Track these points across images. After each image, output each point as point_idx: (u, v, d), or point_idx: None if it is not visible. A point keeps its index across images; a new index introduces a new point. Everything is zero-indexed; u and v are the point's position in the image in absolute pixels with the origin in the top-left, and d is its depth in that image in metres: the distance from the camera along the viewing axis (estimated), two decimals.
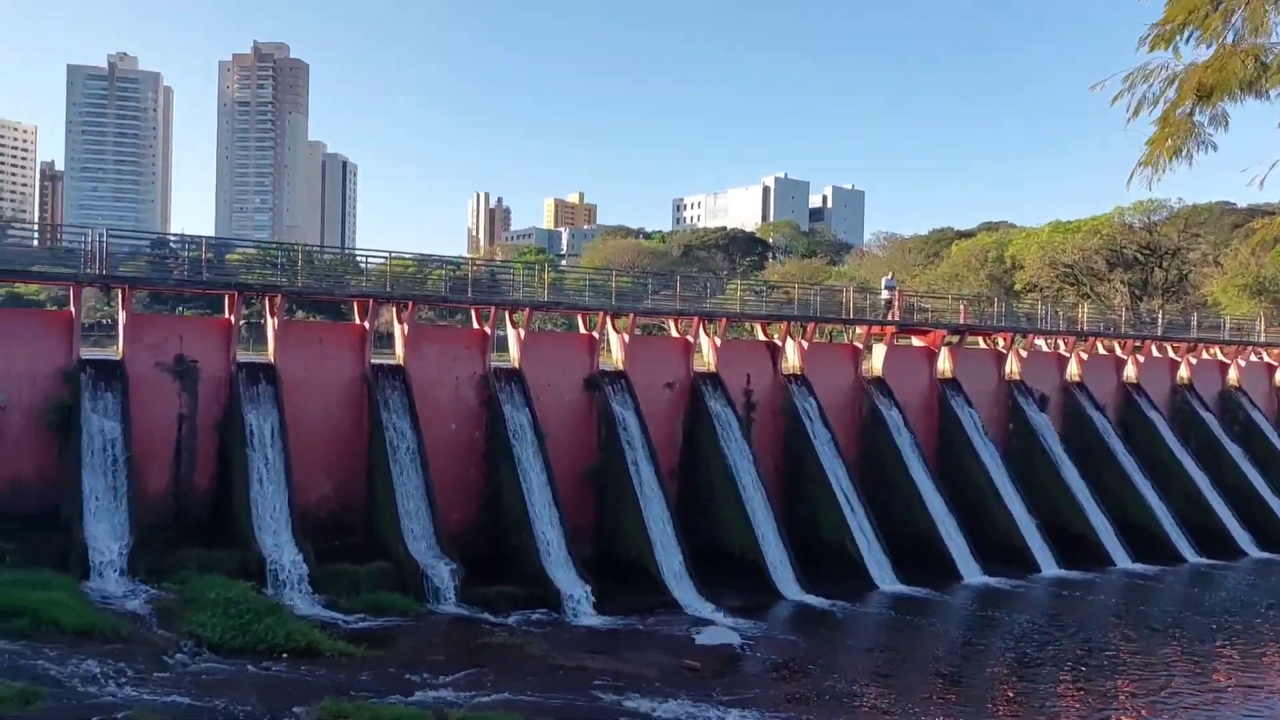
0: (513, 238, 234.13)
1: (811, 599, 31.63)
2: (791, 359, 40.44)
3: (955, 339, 43.86)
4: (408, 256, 39.71)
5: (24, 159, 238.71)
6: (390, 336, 34.96)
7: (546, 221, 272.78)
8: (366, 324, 32.61)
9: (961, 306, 48.06)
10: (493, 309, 34.49)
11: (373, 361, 32.42)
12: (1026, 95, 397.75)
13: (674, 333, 39.42)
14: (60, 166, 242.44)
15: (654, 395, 36.50)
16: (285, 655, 20.71)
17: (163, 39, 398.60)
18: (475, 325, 35.39)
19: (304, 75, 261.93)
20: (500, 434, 32.28)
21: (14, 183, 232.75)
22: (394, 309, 34.08)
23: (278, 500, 27.78)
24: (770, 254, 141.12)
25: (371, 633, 23.69)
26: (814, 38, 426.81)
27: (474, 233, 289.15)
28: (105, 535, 25.08)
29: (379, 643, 22.92)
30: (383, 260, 35.23)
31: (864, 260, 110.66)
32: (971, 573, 36.03)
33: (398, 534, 28.41)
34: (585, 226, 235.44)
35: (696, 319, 38.28)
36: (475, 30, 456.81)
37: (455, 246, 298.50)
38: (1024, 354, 46.59)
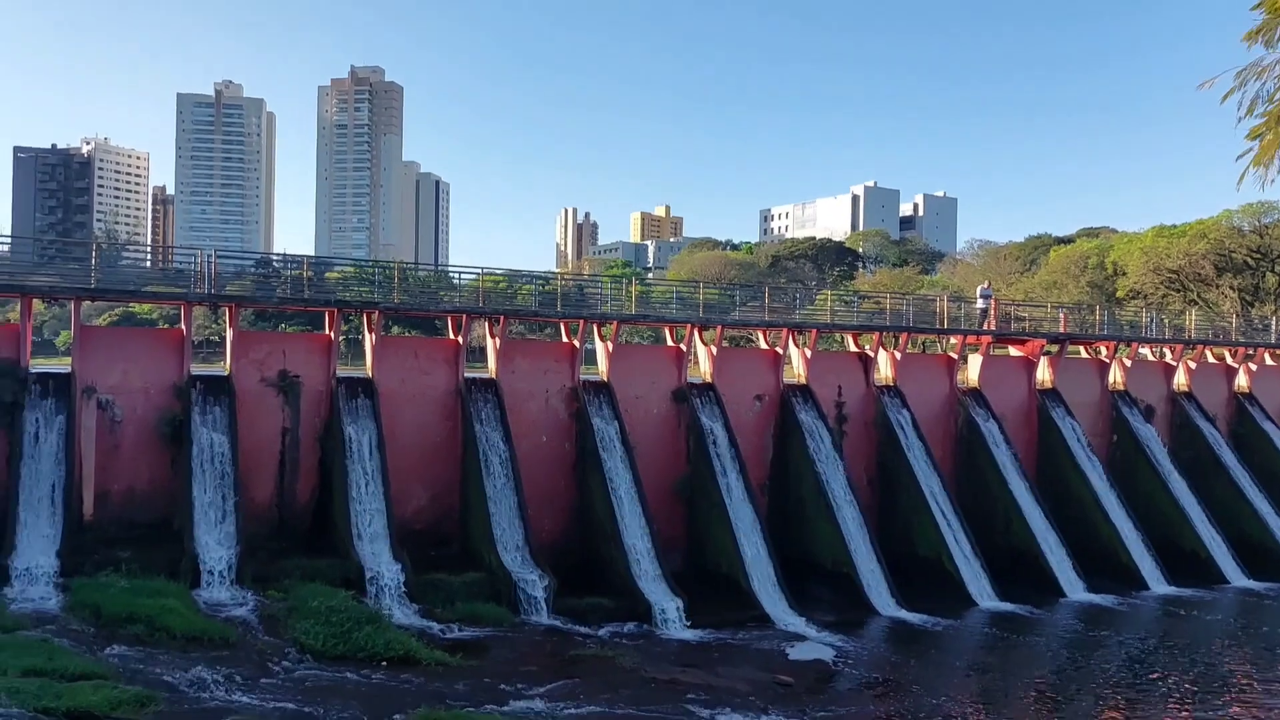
0: (600, 252, 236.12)
1: (907, 615, 30.99)
2: (884, 370, 39.79)
3: (1055, 348, 42.58)
4: (498, 272, 40.36)
5: (138, 185, 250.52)
6: (482, 351, 35.57)
7: (633, 235, 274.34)
8: (460, 339, 33.25)
9: (1061, 315, 46.62)
10: (581, 323, 34.83)
11: (466, 375, 33.01)
12: (1123, 97, 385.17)
13: (763, 344, 39.18)
14: (171, 191, 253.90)
15: (743, 407, 36.32)
16: (384, 663, 21.19)
17: (265, 66, 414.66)
18: (564, 339, 35.77)
19: (399, 98, 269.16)
20: (590, 446, 32.52)
21: (129, 207, 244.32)
22: (486, 324, 34.71)
23: (376, 511, 28.46)
24: (860, 264, 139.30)
25: (466, 642, 24.07)
26: (901, 45, 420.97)
27: (562, 248, 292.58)
28: (214, 544, 26.03)
29: (474, 652, 23.26)
30: (474, 276, 35.92)
31: (957, 269, 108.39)
32: (1074, 589, 34.84)
33: (491, 545, 28.83)
34: (672, 239, 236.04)
35: (786, 330, 37.99)
36: (562, 49, 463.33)
37: (544, 262, 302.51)
38: (1128, 363, 44.96)
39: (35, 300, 29.78)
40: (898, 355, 39.89)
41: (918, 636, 29.22)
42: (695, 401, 35.03)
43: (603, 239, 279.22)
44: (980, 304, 43.88)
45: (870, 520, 34.37)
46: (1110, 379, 44.34)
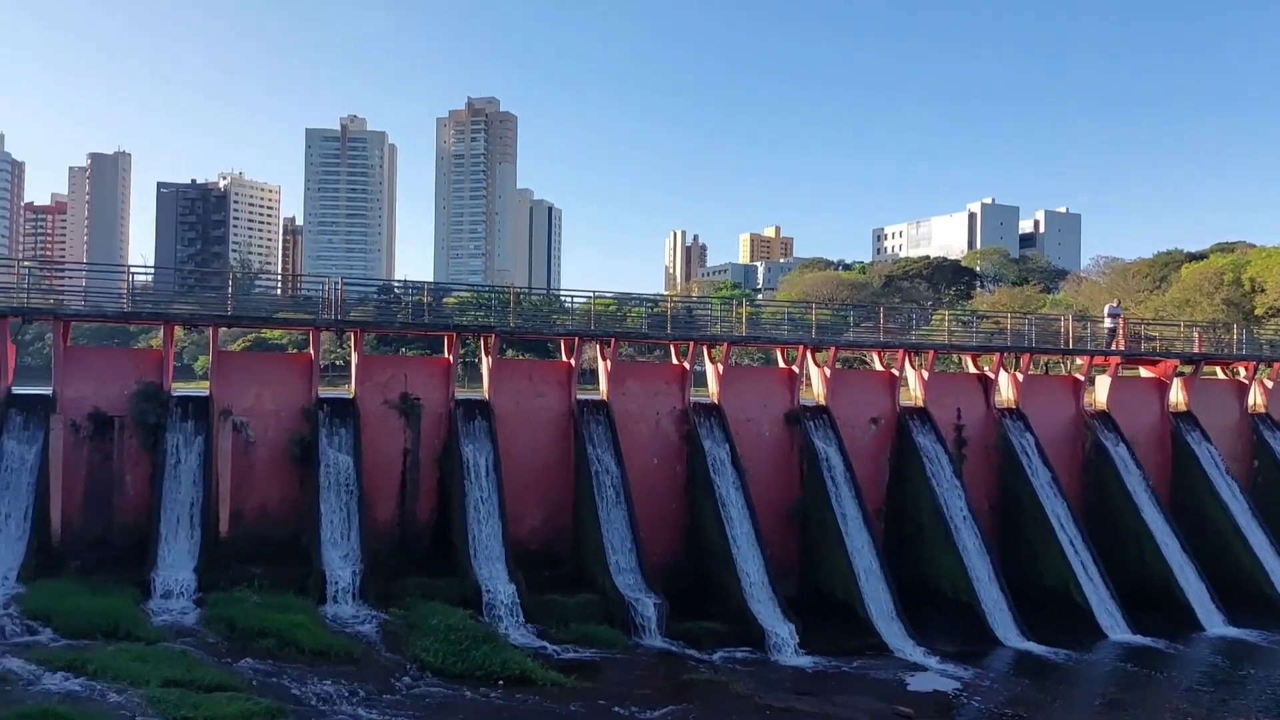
0: (709, 274, 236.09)
1: (1033, 646, 29.82)
2: (1005, 392, 38.56)
3: (1189, 369, 40.52)
4: (608, 295, 40.76)
5: (269, 216, 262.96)
6: (594, 373, 35.97)
7: (742, 256, 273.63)
8: (572, 361, 33.70)
9: (1195, 334, 44.34)
10: (691, 344, 34.88)
11: (578, 397, 33.43)
12: (1256, 105, 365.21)
13: (878, 366, 38.48)
14: (300, 222, 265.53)
15: (858, 431, 35.71)
16: (501, 682, 21.48)
17: (387, 100, 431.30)
18: (674, 361, 35.87)
19: (513, 127, 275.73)
20: (701, 468, 32.47)
21: (261, 238, 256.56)
22: (597, 346, 35.11)
23: (492, 531, 29.00)
24: (978, 283, 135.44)
25: (580, 664, 24.21)
26: (1020, 58, 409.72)
27: (671, 270, 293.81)
28: (339, 562, 26.95)
29: (588, 674, 23.38)
30: (585, 299, 36.41)
31: (1082, 287, 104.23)
32: (1213, 622, 32.94)
33: (604, 566, 29.01)
34: (782, 260, 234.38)
35: (901, 351, 37.25)
36: (670, 74, 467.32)
37: (653, 284, 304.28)
38: (1269, 384, 42.44)
39: (176, 327, 31.47)
40: (1020, 377, 38.61)
41: (1045, 669, 28.06)
42: (808, 424, 34.61)
43: (711, 261, 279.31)
44: (1108, 323, 42.12)
45: (992, 548, 33.25)
46: (1250, 401, 41.96)
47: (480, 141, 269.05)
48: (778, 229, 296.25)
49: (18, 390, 28.91)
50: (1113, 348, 40.79)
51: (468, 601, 26.11)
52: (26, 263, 37.86)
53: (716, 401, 34.75)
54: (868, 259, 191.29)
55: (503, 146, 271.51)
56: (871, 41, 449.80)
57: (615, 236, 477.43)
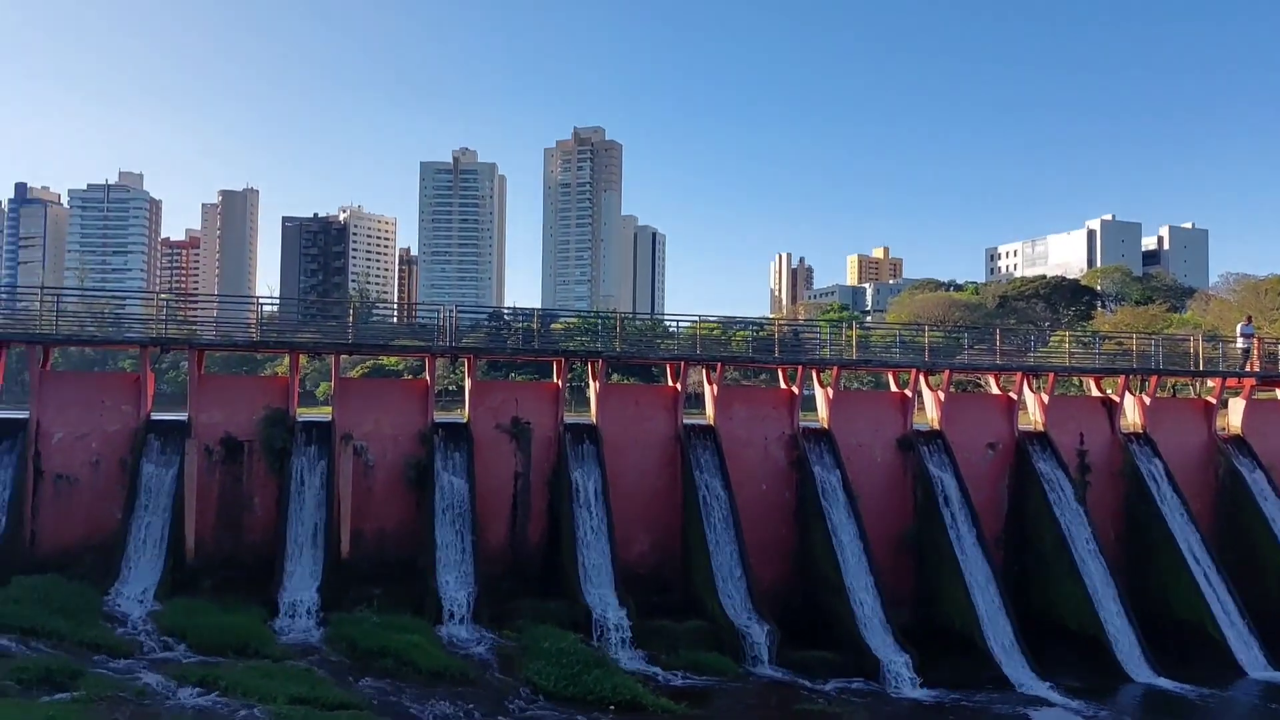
0: (815, 296, 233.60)
1: (1164, 682, 28.37)
2: (1131, 416, 36.97)
3: None
4: (713, 319, 40.68)
5: (386, 247, 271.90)
6: (699, 397, 35.93)
7: (850, 278, 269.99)
8: (678, 385, 33.76)
9: None
10: (800, 368, 34.55)
11: (684, 422, 33.44)
12: None
13: (994, 389, 37.38)
14: (415, 252, 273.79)
15: (974, 456, 34.73)
16: (612, 707, 21.52)
17: (497, 133, 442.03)
18: (782, 385, 35.57)
19: (618, 155, 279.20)
20: (811, 494, 32.04)
21: (379, 268, 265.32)
22: (703, 370, 35.09)
23: (601, 555, 29.18)
24: (1099, 302, 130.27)
25: (691, 690, 24.08)
26: (1138, 70, 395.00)
27: (776, 293, 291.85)
28: (454, 584, 27.50)
29: (698, 701, 23.23)
30: (690, 324, 36.45)
31: (1211, 305, 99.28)
32: None
33: (713, 592, 28.84)
34: (891, 281, 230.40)
35: (1020, 374, 36.11)
36: (775, 98, 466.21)
37: (758, 308, 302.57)
38: None
39: (301, 354, 32.78)
40: (1146, 400, 36.98)
41: (1179, 707, 26.66)
42: (922, 449, 33.83)
43: (818, 283, 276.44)
44: (1241, 343, 39.99)
45: (1119, 578, 31.82)
46: None
47: (586, 170, 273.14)
48: (886, 250, 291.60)
49: (156, 416, 30.55)
50: (1246, 369, 38.72)
51: (578, 625, 26.27)
52: (164, 296, 40.10)
53: (826, 426, 34.30)
54: (981, 279, 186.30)
55: (608, 175, 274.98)
56: (981, 59, 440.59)
57: (719, 260, 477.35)
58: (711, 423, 33.69)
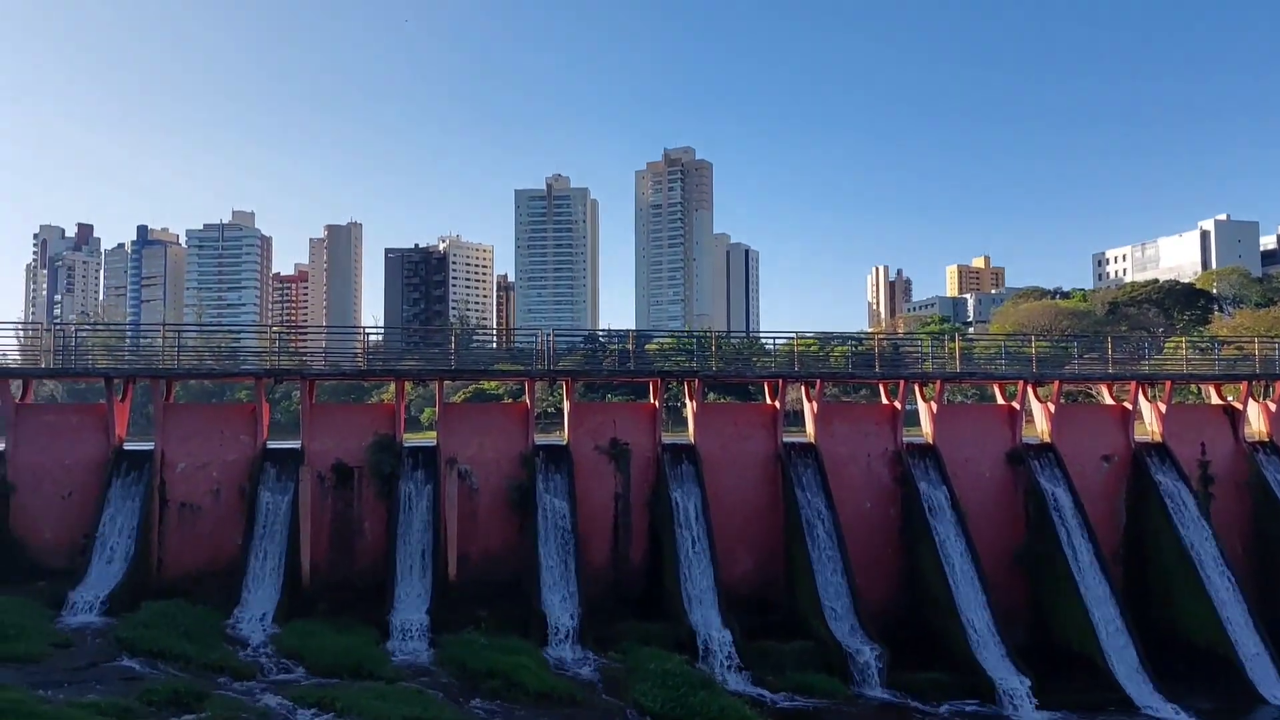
0: (914, 308, 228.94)
1: None
2: (1256, 424, 35.17)
3: None
4: (810, 336, 40.24)
5: (484, 275, 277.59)
6: (797, 415, 35.54)
7: (950, 289, 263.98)
8: (776, 403, 33.47)
9: None
10: (901, 383, 33.90)
11: (784, 440, 33.11)
12: None
13: (1107, 399, 36.03)
14: (512, 278, 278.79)
15: (1088, 469, 33.50)
16: None
17: (588, 158, 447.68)
18: (884, 400, 34.94)
19: (708, 174, 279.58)
20: (917, 511, 31.34)
21: (477, 295, 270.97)
22: (801, 388, 34.72)
23: (704, 576, 29.04)
24: (1215, 306, 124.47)
25: (800, 713, 23.72)
26: (1247, 64, 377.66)
27: (874, 306, 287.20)
28: (558, 605, 27.71)
29: None
30: (786, 340, 36.15)
31: None
32: None
33: (818, 613, 28.41)
34: (993, 291, 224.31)
35: (1134, 384, 34.74)
36: (866, 107, 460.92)
37: (855, 322, 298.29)
38: None
39: (406, 381, 33.63)
40: (1272, 407, 35.13)
41: None
42: (1033, 463, 32.81)
43: (916, 295, 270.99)
44: None
45: (1248, 594, 30.21)
46: None
47: (677, 190, 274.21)
48: (987, 259, 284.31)
49: (271, 445, 31.72)
50: None
51: (682, 646, 26.14)
52: (276, 329, 41.73)
53: (931, 441, 33.54)
54: (1088, 285, 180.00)
55: (699, 194, 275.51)
56: (1083, 63, 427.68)
57: (814, 275, 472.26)
58: (812, 440, 33.28)
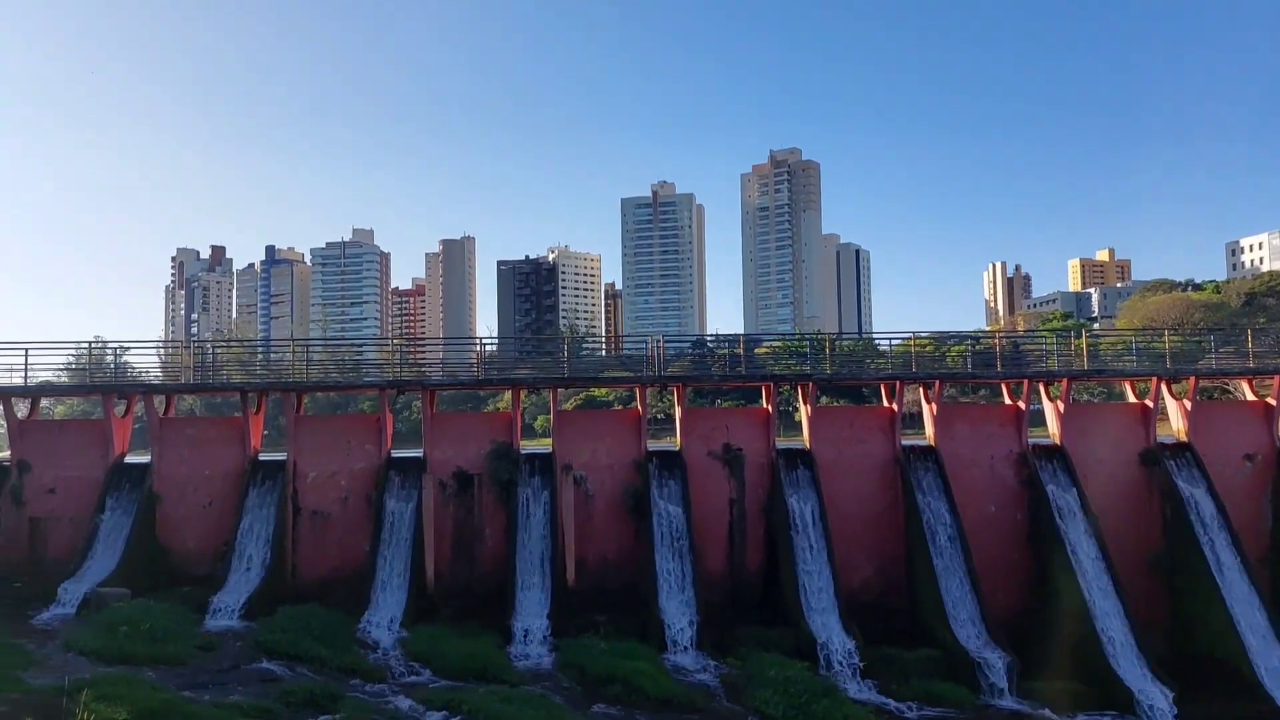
0: (1034, 305, 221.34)
1: None
2: None
3: None
4: (925, 336, 39.33)
5: (592, 283, 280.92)
6: (914, 417, 34.75)
7: (1072, 284, 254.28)
8: (893, 405, 32.80)
9: None
10: (1025, 382, 32.80)
11: (903, 443, 32.42)
12: None
13: (1248, 395, 34.09)
14: (619, 286, 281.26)
15: (1229, 469, 31.78)
16: None
17: (693, 163, 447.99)
18: (1006, 400, 33.85)
19: (815, 175, 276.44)
20: (1045, 515, 30.25)
21: (586, 304, 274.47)
22: (919, 389, 33.94)
23: (823, 582, 28.65)
24: None
25: None
26: None
27: (991, 304, 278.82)
28: (676, 611, 27.72)
29: None
30: (901, 341, 35.45)
31: None
32: None
33: (943, 620, 27.67)
34: (1119, 285, 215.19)
35: (1277, 378, 32.76)
36: (977, 99, 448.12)
37: (972, 321, 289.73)
38: None
39: (521, 390, 34.25)
40: None
41: None
42: (1169, 464, 31.31)
43: (1036, 291, 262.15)
44: None
45: None
46: None
47: (784, 192, 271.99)
48: (1111, 251, 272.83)
49: (395, 454, 32.74)
50: None
51: (802, 653, 25.83)
52: (397, 341, 43.15)
53: (1058, 442, 32.35)
54: (1221, 276, 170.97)
55: (806, 195, 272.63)
56: (1206, 44, 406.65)
57: (927, 274, 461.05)
58: (932, 443, 32.50)
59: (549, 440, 33.74)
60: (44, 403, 36.15)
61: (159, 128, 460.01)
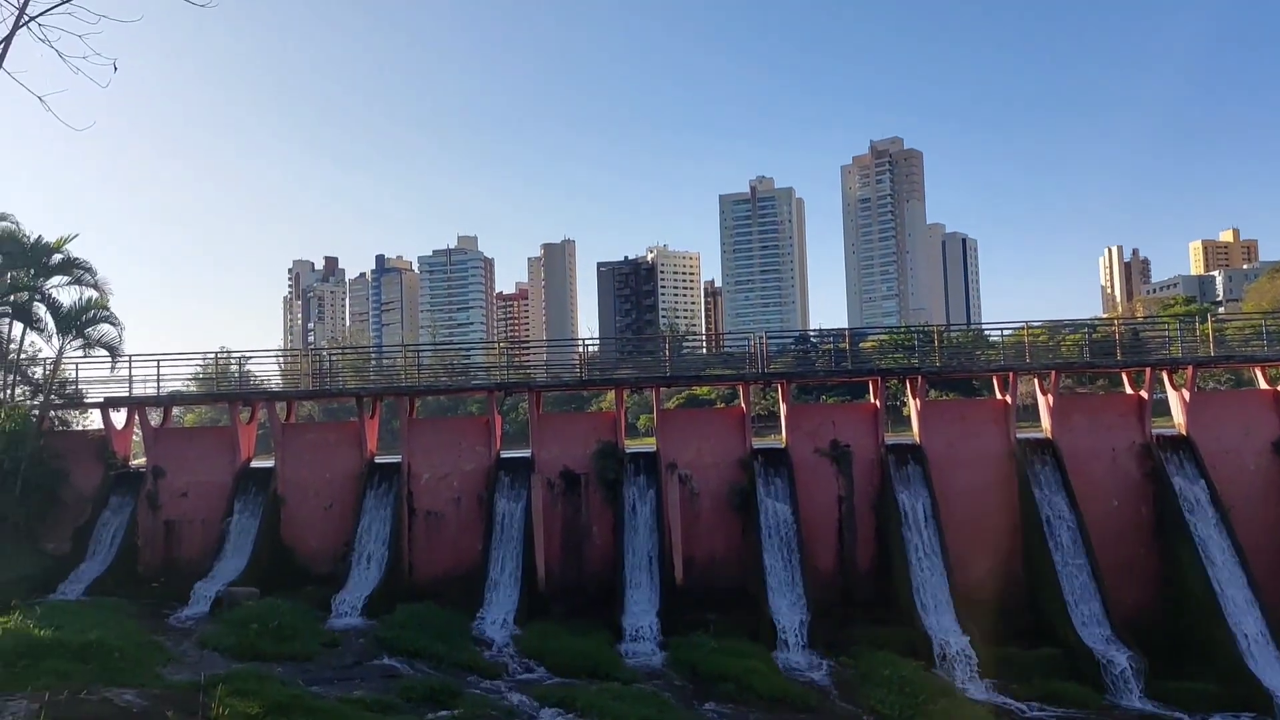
0: (1154, 290, 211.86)
1: None
2: None
3: None
4: (1038, 325, 38.07)
5: (691, 282, 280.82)
6: (1029, 409, 33.69)
7: (1194, 267, 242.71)
8: (1006, 397, 31.89)
9: None
10: (1147, 370, 31.48)
11: (1017, 436, 31.49)
12: None
13: None
14: (719, 283, 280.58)
15: None
16: None
17: (791, 157, 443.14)
18: (1127, 390, 32.54)
19: (918, 163, 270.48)
20: (1171, 509, 28.98)
21: (685, 303, 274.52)
22: (1034, 380, 32.89)
23: (937, 580, 28.05)
24: None
25: None
26: None
27: (1108, 290, 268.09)
28: (786, 610, 27.53)
29: None
30: (1013, 331, 34.42)
31: None
32: None
33: (1065, 618, 26.78)
34: (1245, 266, 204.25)
35: None
36: (1085, 77, 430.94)
37: (1088, 308, 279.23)
38: None
39: (624, 389, 34.52)
40: None
41: None
42: None
43: (1156, 275, 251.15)
44: None
45: None
46: None
47: (886, 182, 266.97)
48: (1235, 232, 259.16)
49: (504, 455, 33.39)
50: None
51: (916, 652, 25.34)
52: (502, 344, 44.00)
53: (1184, 433, 30.95)
54: None
55: (909, 184, 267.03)
56: None
57: (1038, 261, 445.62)
58: (1049, 435, 31.47)
59: (652, 439, 33.90)
60: (175, 411, 38.07)
61: (279, 150, 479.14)
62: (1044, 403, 32.03)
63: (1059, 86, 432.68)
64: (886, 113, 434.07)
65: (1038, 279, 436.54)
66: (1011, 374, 32.07)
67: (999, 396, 32.43)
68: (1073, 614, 26.82)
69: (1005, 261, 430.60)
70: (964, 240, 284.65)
